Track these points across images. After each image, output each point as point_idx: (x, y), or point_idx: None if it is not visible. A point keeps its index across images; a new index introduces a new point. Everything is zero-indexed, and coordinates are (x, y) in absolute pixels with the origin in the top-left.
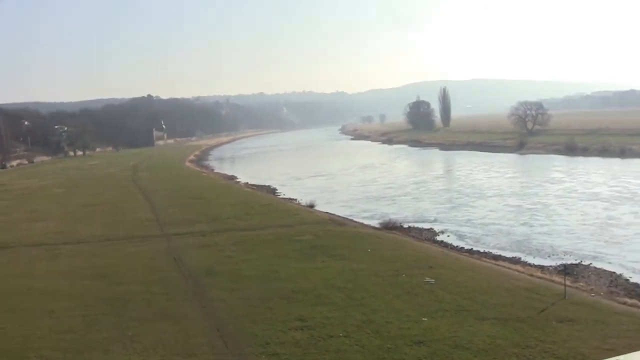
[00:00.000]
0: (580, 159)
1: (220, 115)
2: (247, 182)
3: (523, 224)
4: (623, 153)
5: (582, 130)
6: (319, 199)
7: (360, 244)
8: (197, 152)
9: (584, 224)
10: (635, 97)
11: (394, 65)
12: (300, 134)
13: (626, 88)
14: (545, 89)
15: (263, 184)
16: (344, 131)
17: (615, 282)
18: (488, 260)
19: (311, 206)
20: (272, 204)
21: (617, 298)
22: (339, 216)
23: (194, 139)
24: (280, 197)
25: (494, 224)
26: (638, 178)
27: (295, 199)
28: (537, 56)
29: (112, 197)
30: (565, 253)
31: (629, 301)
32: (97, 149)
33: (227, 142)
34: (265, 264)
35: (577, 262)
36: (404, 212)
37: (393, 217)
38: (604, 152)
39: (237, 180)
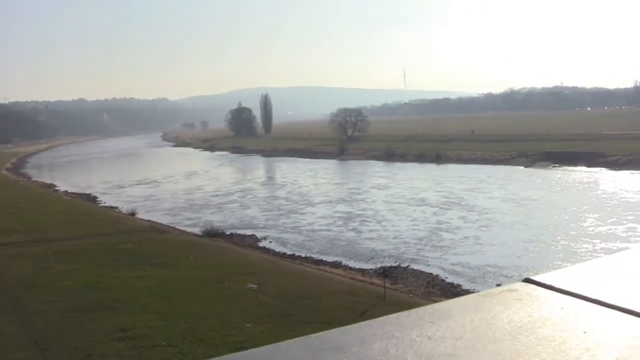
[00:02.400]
0: (399, 164)
1: (38, 121)
2: (67, 191)
3: (351, 230)
4: (439, 158)
5: (399, 136)
6: (141, 208)
7: (183, 252)
8: (13, 160)
9: (414, 229)
10: (450, 105)
11: (215, 72)
12: (122, 140)
13: (441, 96)
14: (365, 96)
15: (83, 193)
16: (166, 138)
17: (432, 283)
18: (310, 265)
19: (132, 214)
20: (92, 212)
21: (434, 297)
22: (161, 224)
23: (10, 145)
24: (101, 205)
25: (322, 230)
26: (460, 183)
27: (117, 207)
28: (356, 65)
29: None
30: (389, 257)
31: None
32: None
33: (46, 150)
34: (87, 274)
35: (396, 264)
36: (230, 220)
37: (219, 224)
38: (421, 157)
39: (56, 188)
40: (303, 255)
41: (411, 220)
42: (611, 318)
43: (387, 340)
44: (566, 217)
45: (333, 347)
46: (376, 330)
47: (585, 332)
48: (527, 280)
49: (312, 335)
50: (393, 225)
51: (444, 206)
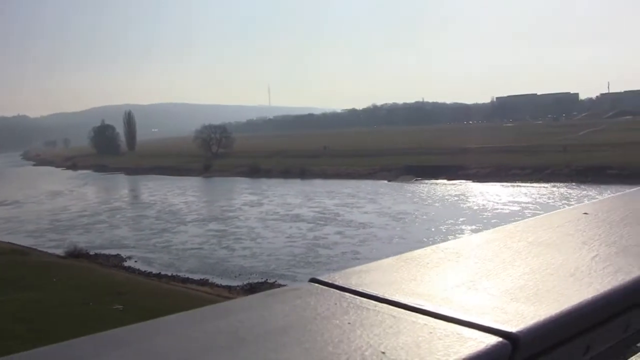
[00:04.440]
0: (265, 180)
1: None
2: None
3: (224, 248)
4: (303, 174)
5: (264, 152)
6: (1, 230)
7: (45, 274)
8: None
9: (290, 246)
10: (314, 121)
11: (78, 88)
12: None
13: (305, 112)
14: (230, 112)
15: None
16: (27, 157)
17: None
18: (176, 283)
19: None
20: None
21: None
22: (22, 246)
23: None
24: None
25: (193, 248)
26: (332, 198)
27: None
28: (221, 81)
29: None
30: (259, 273)
31: None
32: None
33: None
34: None
35: (263, 280)
36: (98, 240)
37: (86, 245)
38: (286, 173)
39: None
40: (170, 274)
41: (287, 237)
42: (378, 310)
43: (170, 336)
44: (444, 230)
45: (119, 343)
46: (162, 328)
47: (349, 323)
48: (313, 280)
49: (101, 333)
50: (268, 243)
51: (320, 222)
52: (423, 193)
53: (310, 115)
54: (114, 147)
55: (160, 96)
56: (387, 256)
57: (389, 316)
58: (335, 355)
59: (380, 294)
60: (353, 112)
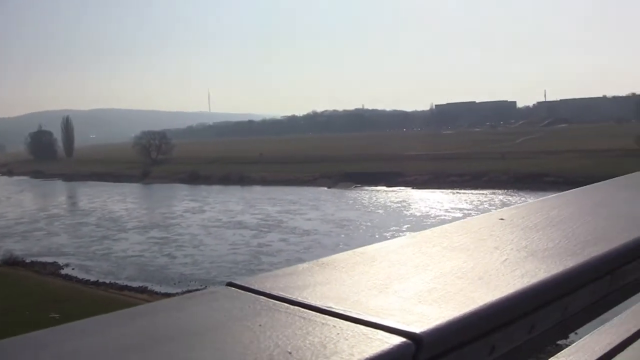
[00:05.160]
0: (204, 187)
1: None
2: None
3: (166, 255)
4: (242, 180)
5: (204, 159)
6: None
7: None
8: None
9: (233, 253)
10: (254, 127)
11: (14, 93)
12: None
13: (245, 118)
14: (170, 118)
15: None
16: None
17: None
18: (114, 291)
19: None
20: None
21: None
22: None
23: None
24: None
25: (134, 256)
26: (274, 205)
27: None
28: (161, 86)
29: None
30: (199, 280)
31: None
32: None
33: None
34: None
35: (202, 287)
36: (36, 248)
37: (22, 253)
38: (226, 180)
39: None
40: (108, 282)
41: (230, 244)
42: (289, 312)
43: (85, 338)
44: (388, 236)
45: (34, 346)
46: (78, 330)
47: (260, 325)
48: (230, 284)
49: (16, 337)
50: (211, 250)
51: (263, 229)
52: (364, 200)
53: (250, 122)
54: (51, 153)
55: (99, 102)
56: None
57: (299, 318)
58: (243, 355)
59: (293, 297)
60: (293, 118)
